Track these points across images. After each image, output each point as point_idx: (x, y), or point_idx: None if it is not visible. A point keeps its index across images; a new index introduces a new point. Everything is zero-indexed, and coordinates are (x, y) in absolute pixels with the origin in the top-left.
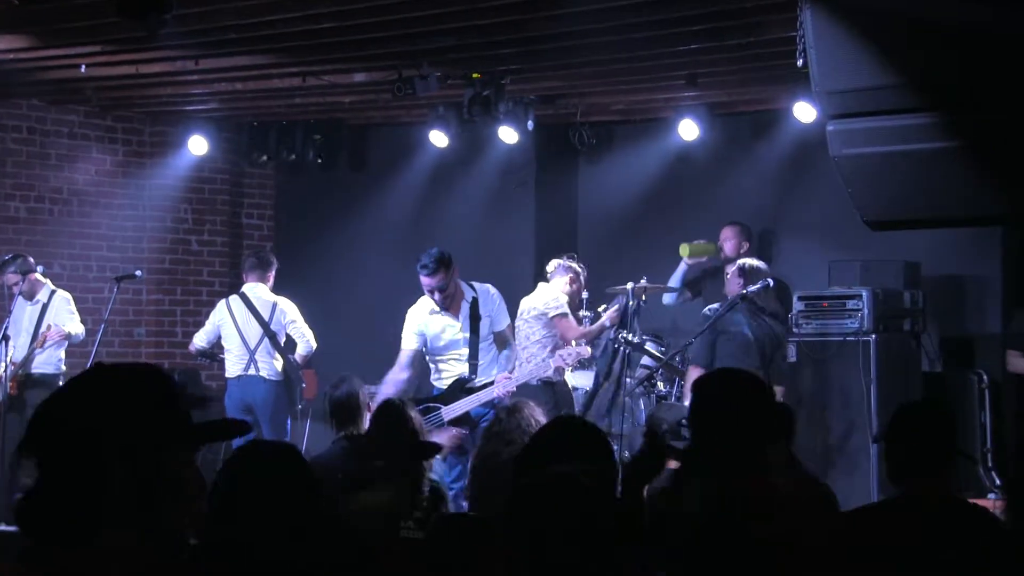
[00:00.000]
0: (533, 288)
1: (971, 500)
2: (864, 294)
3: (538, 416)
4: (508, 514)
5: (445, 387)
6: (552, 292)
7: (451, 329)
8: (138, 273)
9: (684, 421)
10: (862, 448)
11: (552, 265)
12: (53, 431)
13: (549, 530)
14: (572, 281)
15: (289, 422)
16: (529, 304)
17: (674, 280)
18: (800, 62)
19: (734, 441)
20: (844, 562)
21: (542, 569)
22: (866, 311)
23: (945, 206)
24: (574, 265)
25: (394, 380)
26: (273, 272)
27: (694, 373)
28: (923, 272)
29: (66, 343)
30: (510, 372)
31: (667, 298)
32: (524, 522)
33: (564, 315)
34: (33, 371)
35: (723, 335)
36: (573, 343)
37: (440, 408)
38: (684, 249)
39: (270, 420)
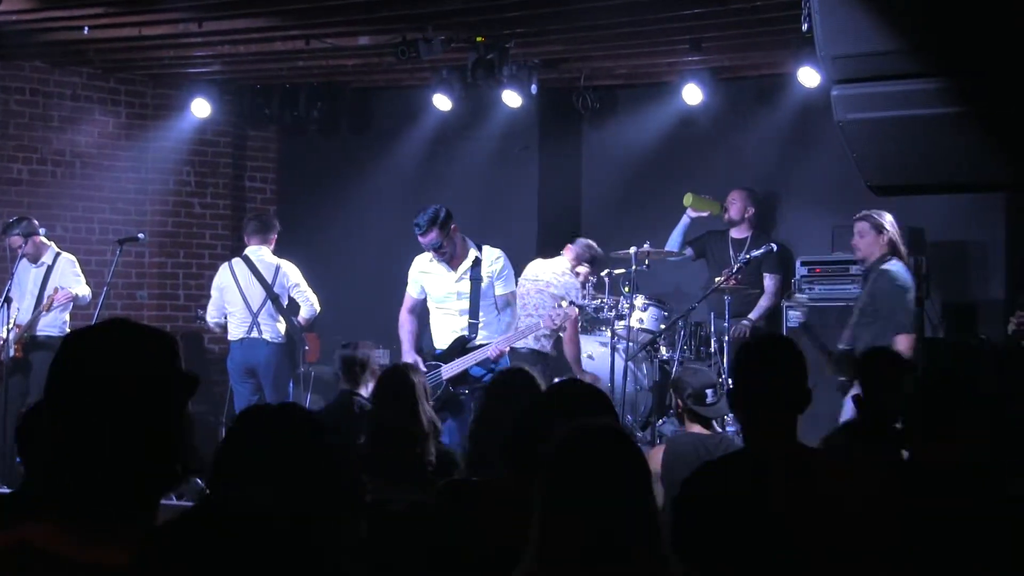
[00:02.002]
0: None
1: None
2: None
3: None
4: (553, 462)
5: (437, 341)
6: (576, 286)
7: (446, 281)
8: (140, 236)
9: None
10: None
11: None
12: (98, 388)
13: (599, 477)
14: (584, 273)
15: (292, 385)
16: (554, 280)
17: (673, 239)
18: (805, 27)
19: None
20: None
21: (586, 520)
22: None
23: (949, 171)
24: (592, 252)
25: (405, 321)
26: (275, 235)
27: (905, 342)
28: (927, 238)
29: (71, 305)
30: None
31: (670, 245)
32: (572, 471)
33: (577, 319)
34: (38, 334)
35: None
36: (559, 324)
37: (440, 367)
38: (688, 198)
39: (272, 383)
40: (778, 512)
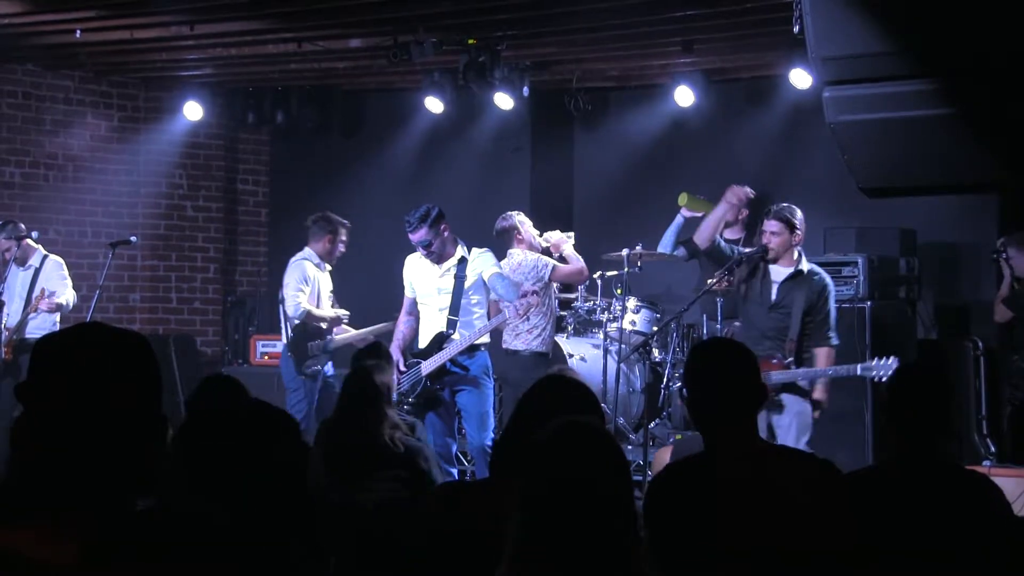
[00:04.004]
0: None
1: (967, 467)
2: (860, 261)
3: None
4: (533, 462)
5: (421, 339)
6: (531, 265)
7: (430, 276)
8: (133, 239)
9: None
10: (857, 416)
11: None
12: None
13: (578, 475)
14: (519, 237)
15: (302, 387)
16: (512, 271)
17: (666, 239)
18: (796, 28)
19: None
20: (840, 527)
21: (561, 518)
22: (861, 278)
23: (941, 173)
24: (508, 221)
25: (400, 324)
26: (323, 237)
27: (832, 355)
28: (919, 239)
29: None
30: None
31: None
32: (552, 468)
33: (554, 266)
34: (27, 336)
35: None
36: (524, 313)
37: (420, 363)
38: (683, 197)
39: (287, 387)
40: (735, 511)
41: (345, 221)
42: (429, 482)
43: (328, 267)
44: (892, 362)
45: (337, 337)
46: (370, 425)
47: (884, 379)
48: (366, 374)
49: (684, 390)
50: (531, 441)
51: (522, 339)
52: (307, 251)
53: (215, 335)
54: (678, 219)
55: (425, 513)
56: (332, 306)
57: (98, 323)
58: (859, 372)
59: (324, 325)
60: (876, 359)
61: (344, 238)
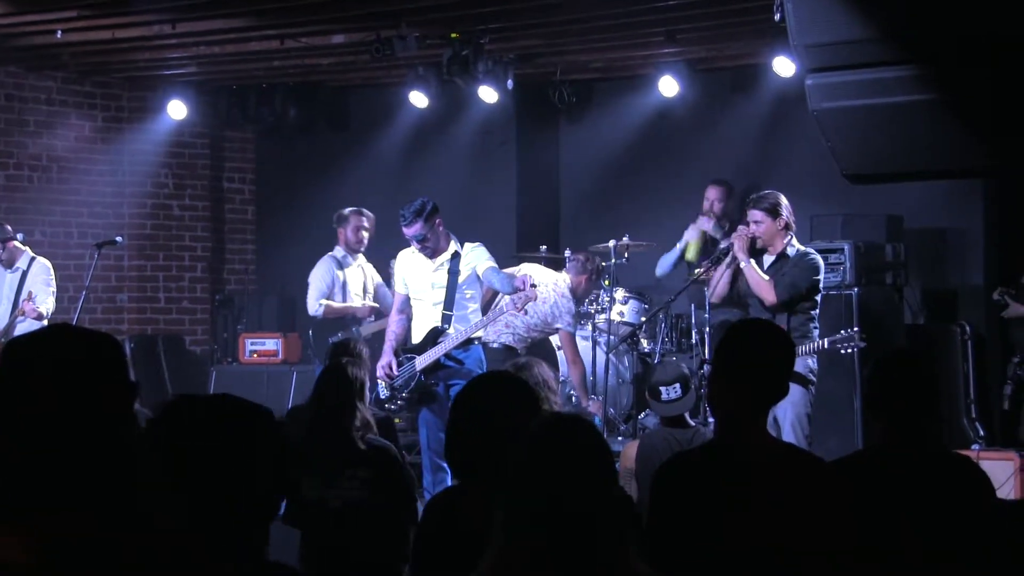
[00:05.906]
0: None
1: (954, 451)
2: (846, 248)
3: (547, 374)
4: (527, 458)
5: (415, 334)
6: (570, 309)
7: (424, 271)
8: (119, 239)
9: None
10: (845, 403)
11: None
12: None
13: (573, 466)
14: (587, 280)
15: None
16: (552, 296)
17: (664, 264)
18: (777, 16)
19: None
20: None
21: (545, 518)
22: (848, 265)
23: (926, 159)
24: (593, 264)
25: (391, 322)
26: (338, 233)
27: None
28: (905, 225)
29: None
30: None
31: (660, 271)
32: (547, 461)
33: (573, 335)
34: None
35: None
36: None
37: (415, 358)
38: (691, 250)
39: None
40: (745, 505)
41: (356, 209)
42: (393, 484)
43: (355, 260)
44: (854, 332)
45: (364, 328)
46: (344, 422)
47: (851, 350)
48: (341, 370)
49: (706, 368)
50: (515, 440)
51: (493, 331)
52: (335, 249)
53: (204, 334)
54: (676, 250)
55: (389, 517)
56: (366, 297)
57: (68, 325)
58: (826, 346)
59: (354, 316)
60: (843, 331)
61: (357, 224)
